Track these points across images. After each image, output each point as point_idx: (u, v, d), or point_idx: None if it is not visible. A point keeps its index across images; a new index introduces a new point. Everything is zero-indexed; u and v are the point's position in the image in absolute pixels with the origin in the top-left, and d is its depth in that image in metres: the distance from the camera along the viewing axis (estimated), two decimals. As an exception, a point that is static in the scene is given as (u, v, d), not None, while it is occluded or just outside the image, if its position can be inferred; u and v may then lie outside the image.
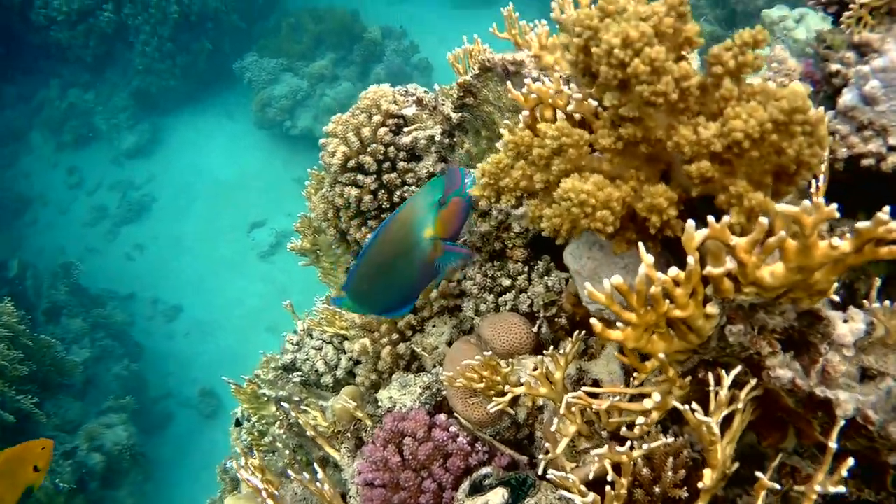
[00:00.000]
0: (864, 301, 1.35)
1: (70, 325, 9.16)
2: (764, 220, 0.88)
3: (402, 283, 1.62)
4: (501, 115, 1.80)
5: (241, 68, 10.79)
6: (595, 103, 1.06)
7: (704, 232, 0.92)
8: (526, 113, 1.17)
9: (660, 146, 1.00)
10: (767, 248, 0.92)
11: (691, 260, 0.93)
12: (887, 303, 1.30)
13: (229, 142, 11.19)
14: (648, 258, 0.93)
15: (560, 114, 1.13)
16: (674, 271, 0.95)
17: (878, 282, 1.41)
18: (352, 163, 2.15)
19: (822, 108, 1.54)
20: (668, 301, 0.98)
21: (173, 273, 10.20)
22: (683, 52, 1.01)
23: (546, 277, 1.75)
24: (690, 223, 0.92)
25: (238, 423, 2.85)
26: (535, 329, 1.71)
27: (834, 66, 1.71)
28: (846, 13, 1.76)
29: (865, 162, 1.55)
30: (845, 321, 1.28)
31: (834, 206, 0.87)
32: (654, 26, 0.95)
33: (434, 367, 2.02)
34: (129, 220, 11.00)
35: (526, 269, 1.79)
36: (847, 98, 1.55)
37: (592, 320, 0.99)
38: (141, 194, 11.16)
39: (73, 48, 11.66)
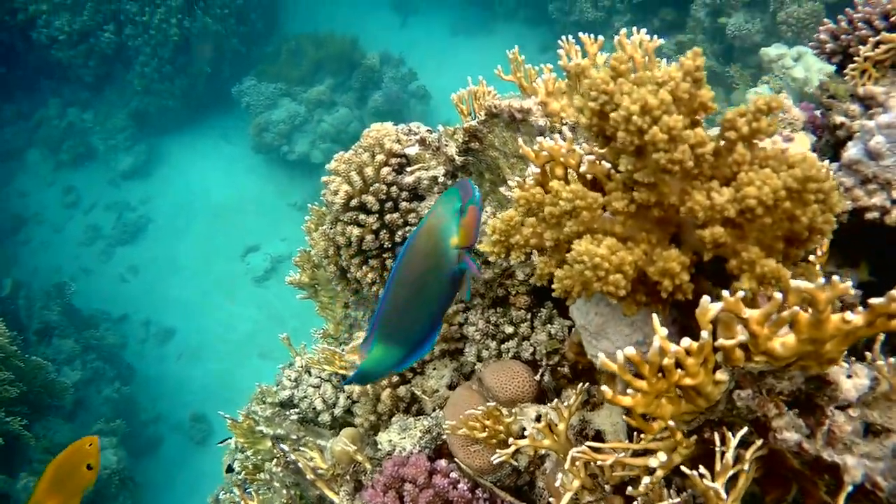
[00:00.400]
0: (867, 353, 1.35)
1: (62, 345, 9.10)
2: (778, 296, 0.88)
3: (432, 300, 1.57)
4: (506, 160, 1.81)
5: (239, 92, 10.82)
6: (608, 165, 1.07)
7: (719, 306, 0.92)
8: (536, 170, 1.17)
9: (672, 210, 1.00)
10: (780, 321, 0.92)
11: (705, 334, 0.93)
12: (892, 359, 1.30)
13: (226, 165, 11.20)
14: (662, 331, 0.93)
15: (571, 172, 1.14)
16: (686, 342, 0.94)
17: (881, 335, 1.41)
18: (354, 202, 2.14)
19: (832, 172, 1.56)
20: (679, 369, 0.98)
21: (167, 296, 10.15)
22: (697, 117, 1.01)
23: (549, 325, 1.75)
24: (706, 298, 0.92)
25: (230, 470, 2.83)
26: (537, 377, 1.70)
27: (838, 119, 1.72)
28: (850, 65, 1.78)
29: (869, 215, 1.56)
30: (849, 376, 1.28)
31: (849, 283, 0.87)
32: (671, 91, 0.95)
33: (434, 410, 2.01)
34: (124, 241, 10.97)
35: (529, 316, 1.79)
36: (852, 152, 1.56)
37: (603, 387, 0.98)
38: (137, 215, 11.14)
39: (73, 67, 11.69)
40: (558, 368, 1.69)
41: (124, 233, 10.98)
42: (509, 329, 1.78)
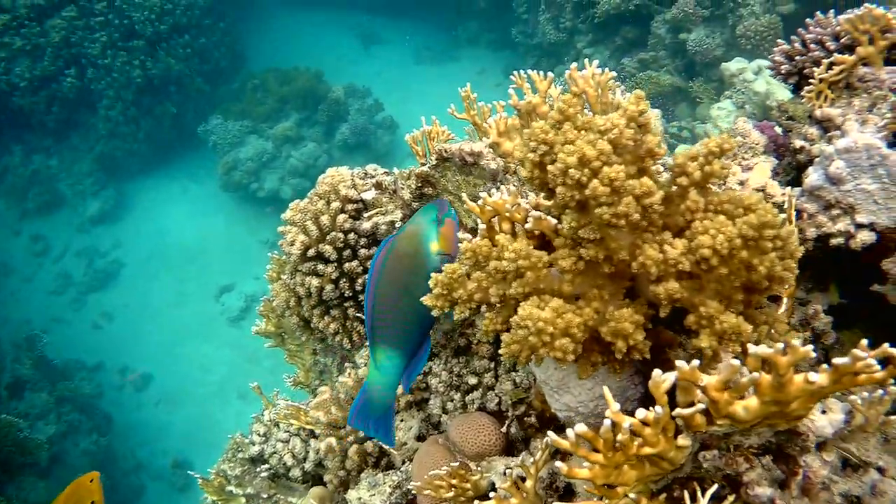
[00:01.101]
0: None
1: (34, 399, 8.91)
2: (735, 363, 0.83)
3: (419, 301, 1.53)
4: (461, 204, 1.75)
5: (205, 131, 10.74)
6: (554, 221, 1.01)
7: (673, 376, 0.86)
8: (483, 226, 1.11)
9: (623, 265, 0.95)
10: (740, 388, 0.86)
11: (659, 409, 0.87)
12: (865, 393, 1.25)
13: (195, 206, 11.09)
14: (614, 405, 0.87)
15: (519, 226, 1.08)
16: (641, 414, 0.88)
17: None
18: (311, 252, 2.08)
19: (795, 198, 1.52)
20: (637, 437, 0.92)
21: (143, 341, 9.98)
22: (645, 164, 0.95)
23: (513, 373, 1.68)
24: (657, 372, 0.86)
25: None
26: (504, 429, 1.63)
27: (798, 143, 1.69)
28: (807, 87, 1.75)
29: (835, 241, 1.52)
30: (823, 412, 1.23)
31: (809, 347, 0.82)
32: (614, 140, 0.90)
33: (404, 463, 1.93)
34: (96, 287, 10.80)
35: (493, 364, 1.73)
36: (813, 178, 1.52)
37: (557, 463, 0.92)
38: (107, 261, 10.98)
39: (35, 114, 11.54)
40: (525, 418, 1.62)
41: (95, 279, 10.81)
42: (473, 380, 1.71)
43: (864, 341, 0.84)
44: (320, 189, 2.17)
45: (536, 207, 1.06)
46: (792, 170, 1.87)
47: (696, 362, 0.85)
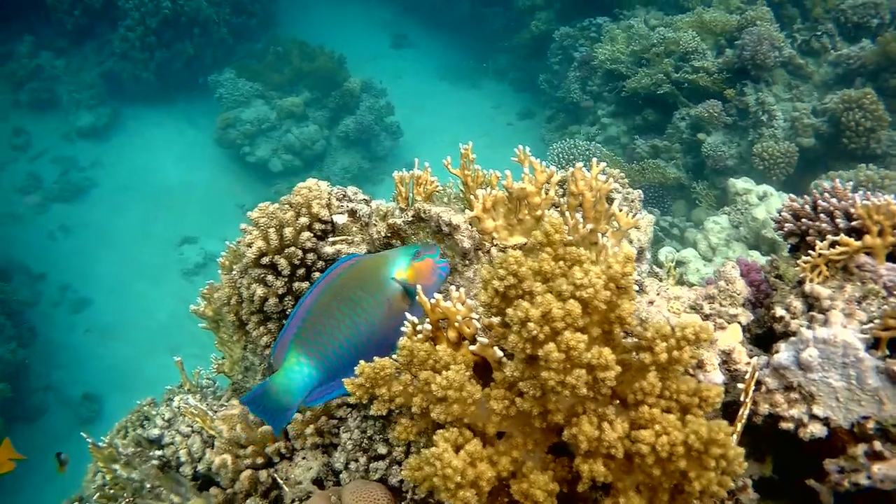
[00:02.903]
0: None
1: (-34, 290, 8.69)
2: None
3: (360, 318, 1.41)
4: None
5: (215, 82, 10.61)
6: (500, 353, 0.94)
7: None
8: (428, 326, 1.04)
9: (556, 425, 0.88)
10: None
11: None
12: None
13: (184, 150, 10.95)
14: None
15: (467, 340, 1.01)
16: None
17: None
18: (265, 259, 2.00)
19: (760, 369, 1.46)
20: None
21: (92, 265, 9.78)
22: (612, 331, 0.88)
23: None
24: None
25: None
26: (399, 510, 1.55)
27: (779, 312, 1.64)
28: (805, 257, 1.69)
29: (784, 425, 1.47)
30: None
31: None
32: (586, 298, 0.83)
33: (293, 502, 1.85)
34: (63, 198, 10.62)
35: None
36: (783, 356, 1.47)
37: None
38: (82, 176, 10.81)
39: (57, 11, 11.39)
40: (424, 505, 1.54)
41: (65, 190, 10.63)
42: (383, 449, 1.63)
43: None
44: (293, 199, 2.09)
45: (488, 328, 0.99)
46: (764, 326, 1.82)
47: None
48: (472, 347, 0.97)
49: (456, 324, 1.02)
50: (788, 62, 6.33)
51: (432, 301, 1.05)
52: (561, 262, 0.93)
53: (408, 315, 1.11)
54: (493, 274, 0.89)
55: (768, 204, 4.74)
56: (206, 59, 11.12)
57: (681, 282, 3.01)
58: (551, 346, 0.80)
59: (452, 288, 1.08)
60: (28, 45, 11.81)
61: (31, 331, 9.01)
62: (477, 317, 1.03)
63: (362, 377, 1.01)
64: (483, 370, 0.99)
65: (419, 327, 1.06)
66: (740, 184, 5.01)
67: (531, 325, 0.81)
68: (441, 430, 0.90)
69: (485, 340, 0.95)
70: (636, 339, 0.91)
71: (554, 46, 9.29)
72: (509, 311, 0.83)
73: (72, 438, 8.38)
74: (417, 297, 1.13)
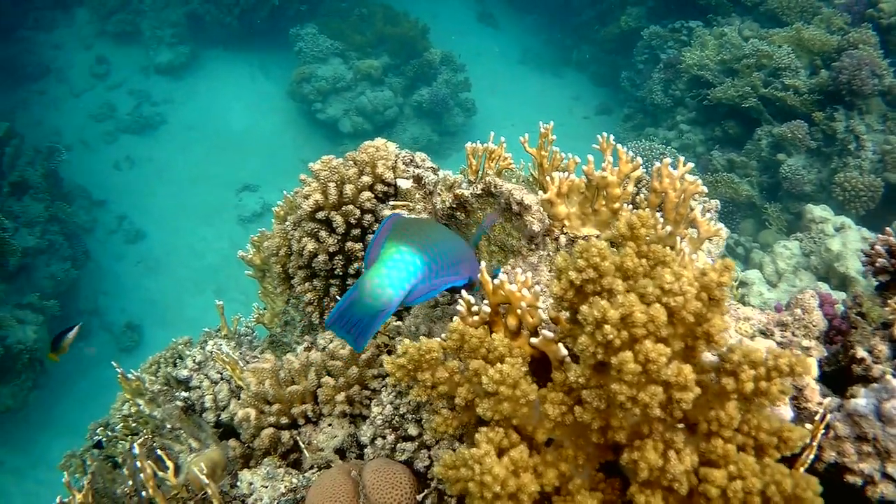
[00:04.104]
0: None
1: (31, 207, 8.85)
2: None
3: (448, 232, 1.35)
4: (488, 245, 1.58)
5: (296, 35, 10.58)
6: (564, 352, 0.84)
7: None
8: (487, 308, 0.94)
9: (614, 444, 0.77)
10: None
11: None
12: None
13: (256, 99, 10.98)
14: None
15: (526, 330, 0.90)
16: None
17: None
18: (321, 214, 1.92)
19: (831, 413, 1.34)
20: None
21: (152, 199, 9.90)
22: (696, 348, 0.77)
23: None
24: None
25: (99, 446, 2.62)
26: (420, 497, 1.46)
27: (861, 353, 1.50)
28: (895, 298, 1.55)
29: (851, 478, 1.33)
30: None
31: None
32: (674, 307, 0.72)
33: (312, 468, 1.77)
34: (134, 130, 10.77)
35: (442, 423, 1.55)
36: (861, 403, 1.34)
37: None
38: (154, 111, 10.94)
39: (149, -56, 11.50)
40: (446, 497, 1.45)
41: (136, 123, 10.78)
42: (413, 430, 1.53)
43: None
44: (359, 156, 2.01)
45: (556, 321, 0.88)
46: (836, 363, 1.68)
47: None
48: (534, 340, 0.87)
49: (518, 311, 0.92)
50: (888, 92, 6.01)
51: (496, 281, 0.95)
52: (644, 261, 0.83)
53: (464, 293, 1.01)
54: (570, 264, 0.79)
55: (845, 236, 4.52)
56: (290, 12, 11.09)
57: (742, 303, 2.87)
58: (628, 354, 0.69)
59: (518, 270, 0.98)
60: (118, -24, 11.96)
61: (86, 254, 9.16)
62: (543, 307, 0.93)
63: (405, 357, 0.92)
64: (539, 366, 0.89)
65: (475, 308, 0.97)
66: (818, 211, 4.79)
67: (608, 327, 0.70)
68: (484, 429, 0.80)
69: (550, 335, 0.85)
70: (718, 360, 0.80)
71: (641, 45, 9.06)
72: (584, 307, 0.73)
73: (108, 367, 8.51)
74: (479, 275, 1.03)
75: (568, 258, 0.80)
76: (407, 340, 0.94)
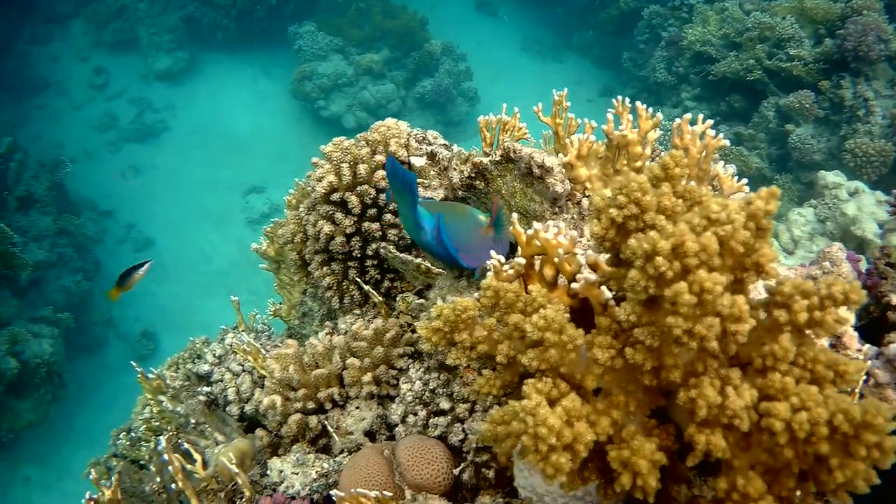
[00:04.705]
0: None
1: (39, 221, 8.85)
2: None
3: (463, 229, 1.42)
4: (509, 213, 1.55)
5: (295, 34, 10.54)
6: (609, 294, 0.81)
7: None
8: (522, 260, 0.91)
9: (668, 385, 0.74)
10: None
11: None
12: None
13: (258, 100, 10.95)
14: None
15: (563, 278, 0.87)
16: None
17: None
18: (336, 196, 1.89)
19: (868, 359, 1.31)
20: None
21: (158, 206, 9.89)
22: (746, 279, 0.74)
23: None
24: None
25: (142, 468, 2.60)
26: (456, 471, 1.44)
27: (894, 299, 1.46)
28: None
29: (894, 425, 1.30)
30: None
31: None
32: (723, 237, 0.69)
33: (342, 453, 1.75)
34: (136, 139, 10.75)
35: (473, 396, 1.52)
36: (900, 347, 1.30)
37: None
38: (156, 118, 10.92)
39: (143, -47, 11.47)
40: (483, 469, 1.42)
41: (139, 131, 10.76)
42: (445, 404, 1.51)
43: None
44: (370, 136, 1.98)
45: (594, 267, 0.85)
46: (867, 316, 1.65)
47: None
48: (575, 285, 0.84)
49: (555, 259, 0.89)
50: (895, 57, 5.95)
51: (530, 232, 0.92)
52: (681, 201, 0.80)
53: (493, 253, 0.99)
54: (609, 202, 0.76)
55: (859, 201, 4.47)
56: (287, 10, 11.06)
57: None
58: (682, 285, 0.66)
59: (550, 222, 0.95)
60: (113, -16, 11.93)
61: (97, 265, 9.16)
62: (581, 252, 0.90)
63: (440, 320, 0.88)
64: (578, 318, 0.86)
65: (506, 266, 0.94)
66: (831, 177, 4.74)
67: (659, 259, 0.67)
68: (531, 380, 0.77)
69: (592, 277, 0.82)
70: (766, 297, 0.77)
71: (642, 24, 8.99)
72: (632, 241, 0.69)
73: (126, 374, 8.52)
74: (512, 227, 1.01)
75: (605, 197, 0.77)
76: (440, 302, 0.91)
